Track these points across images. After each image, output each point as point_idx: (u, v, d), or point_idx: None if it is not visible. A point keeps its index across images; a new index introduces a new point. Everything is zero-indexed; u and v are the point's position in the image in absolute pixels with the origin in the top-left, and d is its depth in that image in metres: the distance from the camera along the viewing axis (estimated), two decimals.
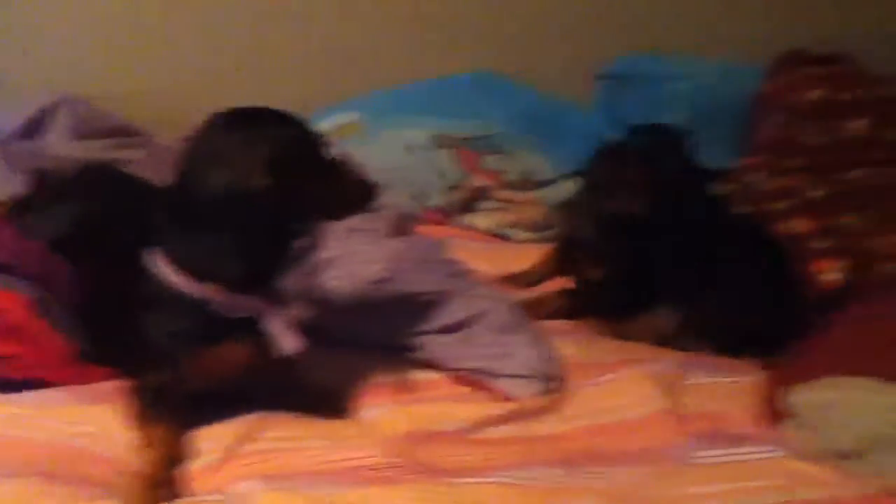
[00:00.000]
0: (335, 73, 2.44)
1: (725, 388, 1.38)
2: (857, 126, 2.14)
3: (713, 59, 2.41)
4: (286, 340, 1.25)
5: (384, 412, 1.34)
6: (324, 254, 1.67)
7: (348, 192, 1.30)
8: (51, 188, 1.75)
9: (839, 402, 1.27)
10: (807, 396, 1.29)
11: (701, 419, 1.27)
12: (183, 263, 1.23)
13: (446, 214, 2.14)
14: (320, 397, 1.37)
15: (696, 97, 2.34)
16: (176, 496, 1.13)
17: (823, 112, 2.18)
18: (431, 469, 1.17)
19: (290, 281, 1.55)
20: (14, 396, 1.29)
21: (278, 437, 1.25)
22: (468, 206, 2.14)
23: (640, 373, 1.37)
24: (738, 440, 1.21)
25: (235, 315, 1.24)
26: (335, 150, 1.90)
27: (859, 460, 1.20)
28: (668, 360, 1.43)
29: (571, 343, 1.54)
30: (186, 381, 1.25)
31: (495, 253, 1.95)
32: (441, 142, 2.21)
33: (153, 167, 1.98)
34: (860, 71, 2.31)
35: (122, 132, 2.26)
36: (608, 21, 2.48)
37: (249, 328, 1.25)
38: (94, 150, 2.12)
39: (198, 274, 1.23)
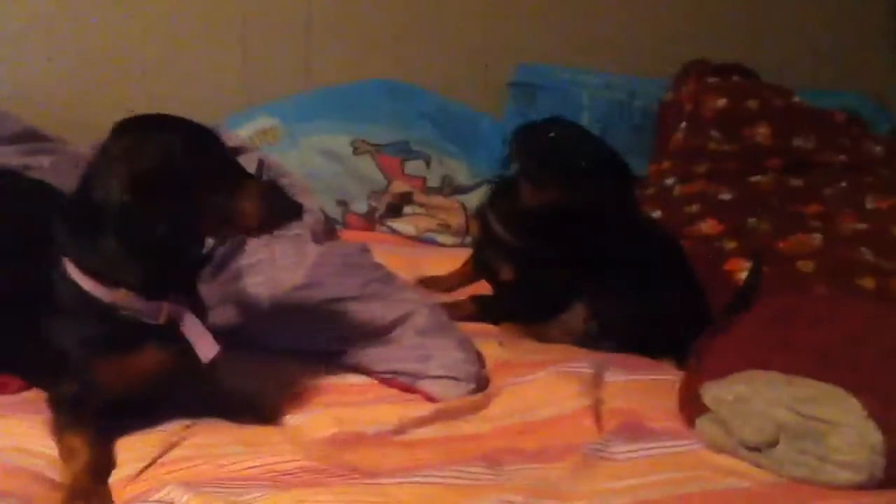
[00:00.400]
0: (250, 77, 2.41)
1: (643, 385, 1.42)
2: (760, 133, 2.25)
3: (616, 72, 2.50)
4: (203, 346, 1.23)
5: (308, 417, 1.33)
6: (245, 259, 1.66)
7: (260, 206, 1.25)
8: None
9: (748, 396, 1.33)
10: (718, 391, 1.34)
11: (618, 415, 1.30)
12: (89, 269, 1.21)
13: (370, 220, 2.15)
14: (242, 404, 1.36)
15: (605, 105, 2.42)
16: None
17: (727, 120, 2.28)
18: (355, 471, 1.17)
19: (211, 286, 1.57)
20: None
21: (200, 443, 1.23)
22: (391, 211, 2.15)
23: (559, 372, 1.40)
24: (655, 435, 1.25)
25: (149, 321, 1.22)
26: (259, 156, 1.93)
27: (768, 451, 1.25)
28: (586, 360, 1.46)
29: (493, 344, 1.57)
30: (100, 389, 1.22)
31: (419, 258, 1.97)
32: (361, 148, 2.21)
33: (61, 173, 1.92)
34: (760, 81, 2.43)
35: (30, 137, 2.18)
36: (509, 32, 2.51)
37: (165, 334, 1.23)
38: (3, 155, 2.04)
39: (105, 279, 1.20)
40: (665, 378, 1.44)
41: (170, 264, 1.24)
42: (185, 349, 1.24)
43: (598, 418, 1.30)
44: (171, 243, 1.20)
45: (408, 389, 1.44)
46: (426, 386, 1.43)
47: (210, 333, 1.24)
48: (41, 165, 2.03)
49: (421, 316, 1.55)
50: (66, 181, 1.87)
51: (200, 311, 1.30)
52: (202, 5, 2.36)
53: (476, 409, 1.35)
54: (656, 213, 2.06)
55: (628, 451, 1.20)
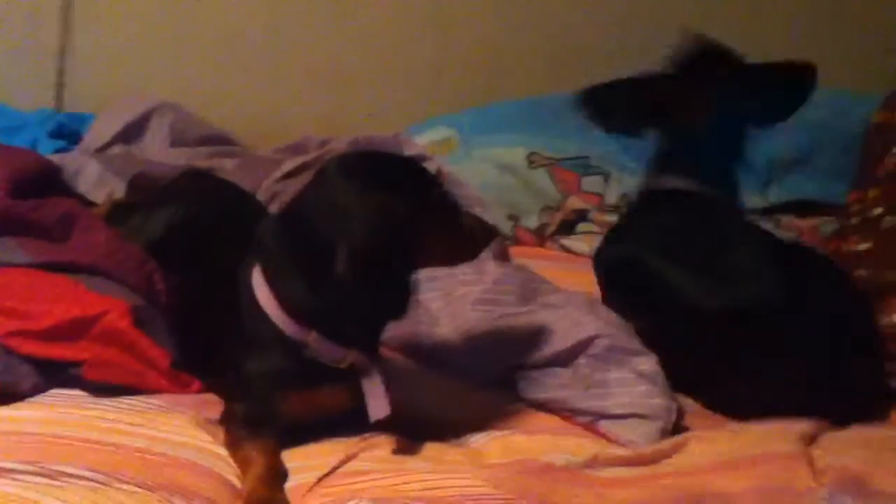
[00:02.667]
0: (429, 89, 2.41)
1: (865, 439, 1.26)
2: None
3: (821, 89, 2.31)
4: (375, 405, 1.21)
5: (488, 440, 1.26)
6: (422, 273, 1.62)
7: (467, 242, 1.27)
8: (150, 192, 1.75)
9: None
10: None
11: (837, 470, 1.15)
12: (289, 303, 1.20)
13: (540, 236, 2.08)
14: (418, 422, 1.30)
15: (806, 125, 2.24)
16: None
17: None
18: (542, 501, 1.08)
19: None
20: (110, 402, 1.25)
21: (381, 457, 1.19)
22: (564, 228, 2.07)
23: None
24: (886, 499, 1.09)
25: (333, 364, 1.20)
26: (438, 165, 1.90)
27: None
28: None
29: None
30: (277, 417, 1.22)
31: (592, 277, 1.87)
32: (537, 161, 2.14)
33: (245, 177, 1.97)
34: None
35: (217, 140, 2.26)
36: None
37: (346, 375, 1.22)
38: (188, 157, 2.13)
39: (303, 319, 1.19)
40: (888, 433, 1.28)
41: (381, 317, 1.24)
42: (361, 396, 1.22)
43: (814, 468, 1.15)
44: (387, 298, 1.20)
45: (588, 429, 1.33)
46: (608, 427, 1.31)
47: (385, 394, 1.21)
48: (224, 168, 2.09)
49: (601, 343, 1.43)
50: (249, 184, 1.93)
51: (375, 344, 1.28)
52: (397, 21, 2.40)
53: (673, 453, 1.22)
54: (863, 246, 1.86)
55: None
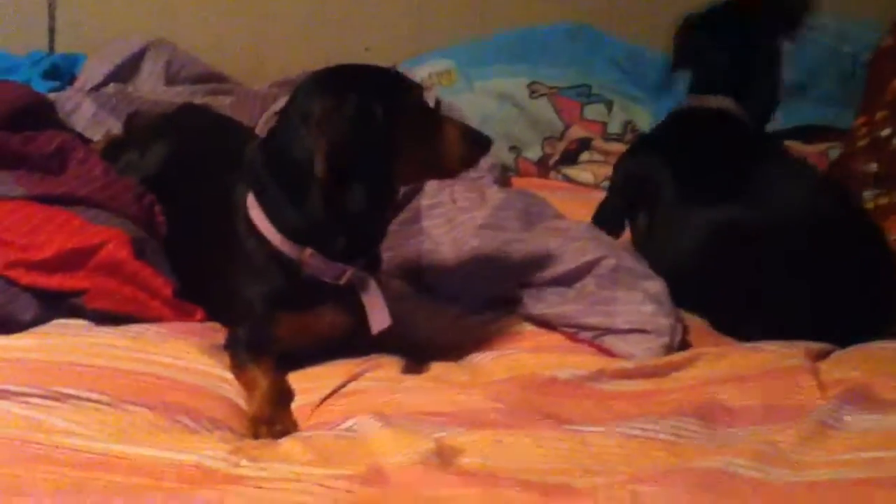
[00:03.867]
0: (426, 20, 2.36)
1: (866, 353, 1.25)
2: None
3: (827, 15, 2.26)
4: (376, 317, 1.20)
5: (491, 358, 1.26)
6: (425, 200, 1.60)
7: (455, 149, 1.23)
8: (145, 128, 1.72)
9: None
10: None
11: (843, 383, 1.15)
12: (280, 222, 1.19)
13: (543, 167, 2.05)
14: (421, 344, 1.30)
15: (809, 51, 2.20)
16: (287, 432, 1.08)
17: None
18: (548, 416, 1.08)
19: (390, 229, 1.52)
20: (114, 330, 1.25)
21: (384, 377, 1.20)
22: (567, 158, 2.04)
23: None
24: (891, 406, 1.09)
25: (331, 282, 1.19)
26: (435, 98, 1.87)
27: None
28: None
29: None
30: (277, 341, 1.22)
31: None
32: (538, 90, 2.11)
33: (241, 113, 1.94)
34: None
35: (211, 78, 2.23)
36: None
37: (344, 295, 1.20)
38: (184, 96, 2.10)
39: (296, 235, 1.18)
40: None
41: (368, 227, 1.22)
42: (363, 313, 1.21)
43: (819, 382, 1.15)
44: (372, 205, 1.17)
45: (591, 345, 1.33)
46: (612, 342, 1.31)
47: (385, 305, 1.20)
48: (220, 104, 2.06)
49: (607, 264, 1.43)
50: (246, 119, 1.90)
51: (376, 265, 1.27)
52: None
53: (680, 367, 1.22)
54: (871, 167, 1.84)
55: (862, 421, 1.05)
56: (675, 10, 2.28)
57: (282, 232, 1.19)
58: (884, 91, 2.06)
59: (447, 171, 1.29)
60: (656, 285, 1.38)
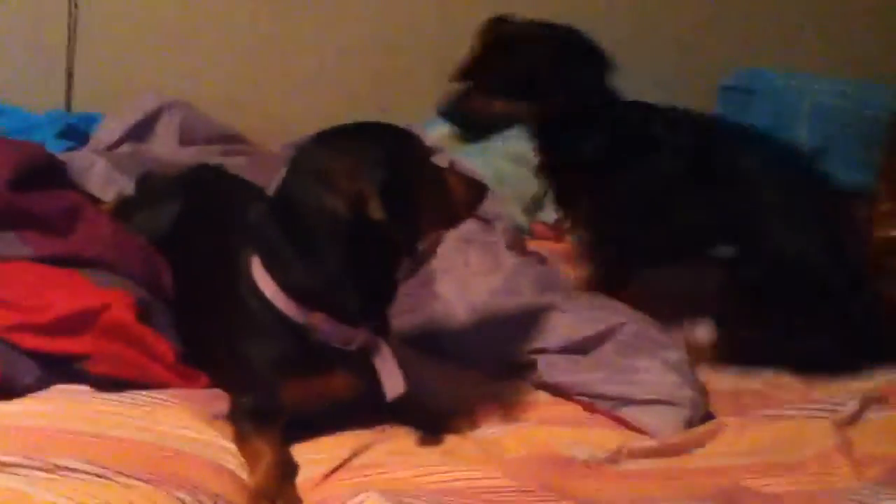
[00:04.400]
0: (439, 84, 2.37)
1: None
2: None
3: (838, 78, 2.27)
4: (391, 383, 1.16)
5: (504, 433, 1.22)
6: (437, 264, 1.57)
7: (458, 196, 1.23)
8: (156, 188, 1.71)
9: None
10: None
11: (880, 461, 1.09)
12: (288, 284, 1.16)
13: (557, 230, 2.02)
14: (435, 412, 1.26)
15: (825, 114, 2.19)
16: None
17: None
18: (565, 496, 1.03)
19: (401, 290, 1.48)
20: (116, 396, 1.21)
21: (394, 450, 1.15)
22: None
23: (807, 412, 1.21)
24: None
25: (341, 346, 1.15)
26: (450, 158, 1.86)
27: None
28: (845, 394, 1.24)
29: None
30: (285, 408, 1.17)
31: None
32: None
33: (256, 174, 1.92)
34: None
35: (226, 139, 2.23)
36: (726, 33, 2.35)
37: (354, 359, 1.17)
38: (198, 156, 2.09)
39: (305, 298, 1.15)
40: None
41: (385, 287, 1.20)
42: (373, 377, 1.17)
43: (852, 461, 1.09)
44: (391, 258, 1.16)
45: (609, 416, 1.28)
46: (633, 414, 1.25)
47: (400, 370, 1.16)
48: (235, 165, 2.05)
49: (628, 331, 1.38)
50: (262, 179, 1.89)
51: (385, 330, 1.23)
52: (404, 16, 2.37)
53: (703, 442, 1.16)
54: (893, 233, 1.80)
55: None
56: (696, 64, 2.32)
57: (290, 295, 1.15)
58: None
59: (451, 219, 1.28)
60: (677, 354, 1.34)
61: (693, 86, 2.32)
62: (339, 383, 1.18)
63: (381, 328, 1.21)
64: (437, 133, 2.12)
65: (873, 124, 2.14)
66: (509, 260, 1.56)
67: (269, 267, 1.17)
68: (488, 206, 1.83)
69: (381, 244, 1.12)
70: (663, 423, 1.23)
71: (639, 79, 2.23)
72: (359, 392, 1.19)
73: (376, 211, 1.08)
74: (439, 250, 1.60)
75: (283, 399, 1.17)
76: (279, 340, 1.17)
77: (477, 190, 1.26)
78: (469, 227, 1.69)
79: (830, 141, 2.14)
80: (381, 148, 1.14)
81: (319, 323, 1.15)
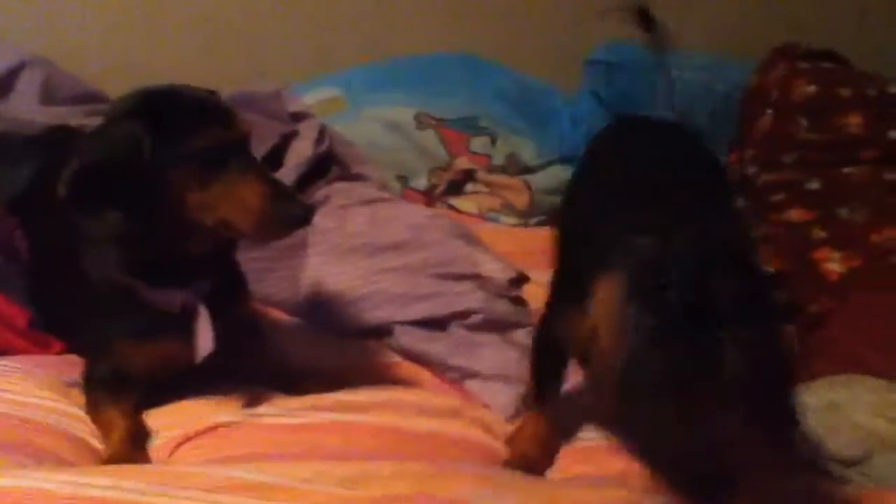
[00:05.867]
0: (317, 47, 2.36)
1: None
2: (853, 123, 2.10)
3: (701, 52, 2.37)
4: (201, 343, 1.15)
5: (358, 396, 1.23)
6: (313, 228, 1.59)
7: (250, 208, 1.10)
8: (11, 149, 1.65)
9: (842, 403, 1.20)
10: (806, 398, 1.21)
11: None
12: (109, 245, 1.14)
13: (429, 197, 2.07)
14: (293, 376, 1.27)
15: (687, 88, 2.29)
16: None
17: (817, 108, 2.13)
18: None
19: (267, 254, 1.50)
20: None
21: (250, 414, 1.16)
22: (452, 188, 2.07)
23: None
24: None
25: (166, 309, 1.15)
26: (320, 123, 1.87)
27: (864, 466, 1.13)
28: None
29: None
30: (132, 374, 1.17)
31: (481, 237, 1.87)
32: (425, 122, 2.13)
33: None
34: (852, 68, 2.28)
35: (92, 99, 2.15)
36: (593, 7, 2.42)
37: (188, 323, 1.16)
38: (61, 116, 2.02)
39: (120, 260, 1.14)
40: None
41: (163, 256, 1.14)
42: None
43: None
44: (145, 237, 1.10)
45: (455, 387, 1.33)
46: (475, 387, 1.31)
47: (211, 331, 1.15)
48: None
49: (476, 318, 1.43)
50: None
51: (232, 293, 1.23)
52: None
53: None
54: (739, 202, 1.93)
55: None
56: (564, 41, 2.39)
57: (113, 256, 1.14)
58: (752, 130, 2.18)
59: (242, 232, 1.13)
60: (525, 335, 1.39)
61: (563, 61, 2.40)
62: (176, 348, 1.17)
63: (225, 293, 1.21)
64: (310, 99, 2.13)
65: (724, 99, 2.27)
66: (384, 223, 1.60)
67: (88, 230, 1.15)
68: (364, 171, 1.89)
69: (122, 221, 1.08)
70: (502, 398, 1.28)
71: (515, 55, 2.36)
72: (190, 356, 1.17)
73: (60, 187, 1.07)
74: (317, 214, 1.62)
75: (124, 362, 1.17)
76: (117, 305, 1.16)
77: (292, 215, 1.11)
78: (351, 189, 1.72)
79: (686, 115, 2.25)
80: (132, 127, 1.08)
81: (138, 285, 1.14)
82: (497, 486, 0.98)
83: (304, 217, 1.12)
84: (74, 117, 2.03)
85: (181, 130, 1.09)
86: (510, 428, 1.20)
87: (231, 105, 1.20)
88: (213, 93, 1.19)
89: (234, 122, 1.13)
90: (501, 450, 1.16)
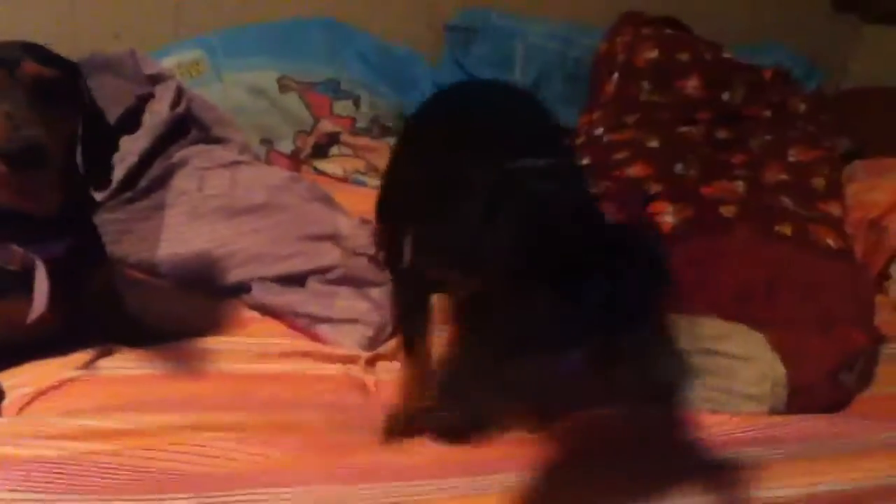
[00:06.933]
0: (183, 8, 2.32)
1: None
2: (690, 86, 2.26)
3: (555, 20, 2.48)
4: (36, 303, 1.14)
5: (219, 346, 1.30)
6: (174, 186, 1.61)
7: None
8: None
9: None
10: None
11: None
12: None
13: (295, 160, 2.10)
14: (156, 332, 1.31)
15: (540, 54, 2.40)
16: None
17: (659, 71, 2.28)
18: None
19: (126, 214, 1.51)
20: None
21: (109, 366, 1.20)
22: (317, 151, 2.10)
23: None
24: None
25: (5, 266, 1.15)
26: (178, 84, 1.86)
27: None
28: None
29: None
30: None
31: (345, 199, 1.92)
32: (288, 85, 2.15)
33: None
34: (692, 34, 2.44)
35: None
36: None
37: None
38: None
39: None
40: None
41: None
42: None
43: None
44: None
45: (306, 332, 1.40)
46: (325, 330, 1.39)
47: (45, 293, 1.15)
48: None
49: (337, 273, 1.50)
50: None
51: (88, 255, 1.24)
52: None
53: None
54: (584, 160, 2.06)
55: None
56: (423, 8, 2.44)
57: None
58: (599, 93, 2.32)
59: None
60: (379, 291, 1.47)
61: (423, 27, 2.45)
62: (17, 306, 1.16)
63: (78, 252, 1.22)
64: (170, 61, 2.11)
65: (577, 64, 2.40)
66: (243, 181, 1.63)
67: None
68: (226, 134, 1.90)
69: None
70: (352, 338, 1.37)
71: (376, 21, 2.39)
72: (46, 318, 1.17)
73: None
74: (177, 173, 1.63)
75: None
76: None
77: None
78: (211, 151, 1.74)
79: (542, 80, 2.36)
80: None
81: None
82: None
83: (16, 148, 1.06)
84: None
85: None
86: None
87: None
88: (29, 44, 1.16)
89: (10, 64, 1.11)
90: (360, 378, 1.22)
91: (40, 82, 1.11)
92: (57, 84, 1.13)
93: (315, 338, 1.38)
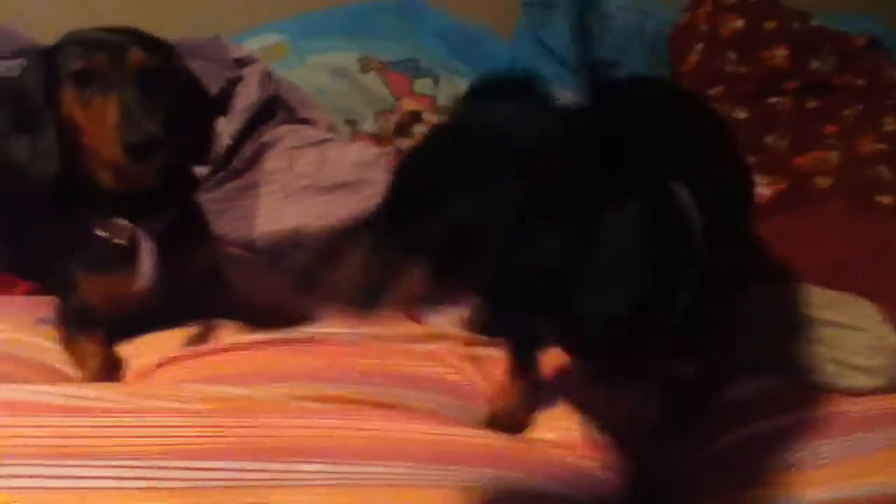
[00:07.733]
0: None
1: None
2: (778, 55, 2.20)
3: None
4: (139, 276, 1.20)
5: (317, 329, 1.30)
6: (268, 165, 1.63)
7: (99, 130, 1.12)
8: None
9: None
10: None
11: None
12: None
13: (379, 140, 2.11)
14: (260, 307, 1.33)
15: (618, 27, 2.37)
16: None
17: (744, 42, 2.23)
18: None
19: (222, 193, 1.54)
20: None
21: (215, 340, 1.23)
22: (401, 130, 2.11)
23: None
24: None
25: (116, 242, 1.19)
26: (265, 68, 1.89)
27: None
28: None
29: None
30: (96, 305, 1.21)
31: None
32: (369, 65, 2.17)
33: None
34: (778, 3, 2.37)
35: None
36: None
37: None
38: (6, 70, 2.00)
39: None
40: None
41: (97, 188, 1.18)
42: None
43: None
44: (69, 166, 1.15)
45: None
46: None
47: (152, 265, 1.20)
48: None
49: None
50: None
51: (187, 229, 1.27)
52: None
53: None
54: None
55: None
56: None
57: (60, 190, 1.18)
58: (681, 64, 2.27)
59: (102, 154, 1.14)
60: None
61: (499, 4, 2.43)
62: (127, 280, 1.21)
63: (180, 228, 1.25)
64: (252, 47, 2.14)
65: (655, 36, 2.35)
66: (335, 159, 1.64)
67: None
68: (312, 115, 1.92)
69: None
70: (444, 316, 1.33)
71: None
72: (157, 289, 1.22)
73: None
74: (269, 152, 1.66)
75: (88, 296, 1.21)
76: (74, 240, 1.20)
77: (128, 136, 1.09)
78: (299, 131, 1.76)
79: (620, 53, 2.33)
80: (43, 58, 1.15)
81: (88, 215, 1.19)
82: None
83: (138, 142, 1.09)
84: (11, 72, 2.02)
85: (65, 59, 1.14)
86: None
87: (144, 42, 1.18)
88: (130, 31, 1.20)
89: (118, 52, 1.14)
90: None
91: (145, 70, 1.15)
92: (160, 70, 1.17)
93: (410, 314, 1.39)
